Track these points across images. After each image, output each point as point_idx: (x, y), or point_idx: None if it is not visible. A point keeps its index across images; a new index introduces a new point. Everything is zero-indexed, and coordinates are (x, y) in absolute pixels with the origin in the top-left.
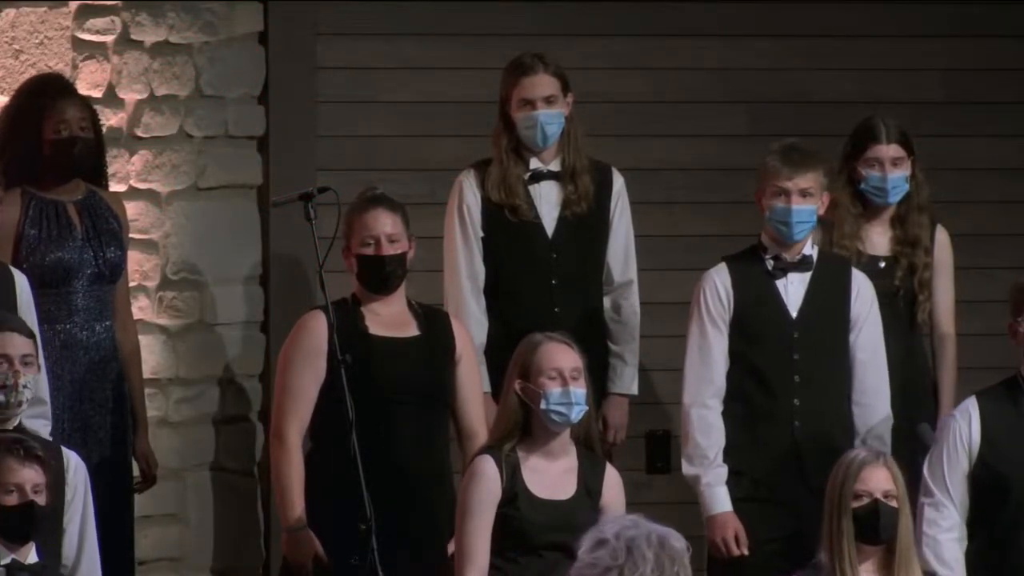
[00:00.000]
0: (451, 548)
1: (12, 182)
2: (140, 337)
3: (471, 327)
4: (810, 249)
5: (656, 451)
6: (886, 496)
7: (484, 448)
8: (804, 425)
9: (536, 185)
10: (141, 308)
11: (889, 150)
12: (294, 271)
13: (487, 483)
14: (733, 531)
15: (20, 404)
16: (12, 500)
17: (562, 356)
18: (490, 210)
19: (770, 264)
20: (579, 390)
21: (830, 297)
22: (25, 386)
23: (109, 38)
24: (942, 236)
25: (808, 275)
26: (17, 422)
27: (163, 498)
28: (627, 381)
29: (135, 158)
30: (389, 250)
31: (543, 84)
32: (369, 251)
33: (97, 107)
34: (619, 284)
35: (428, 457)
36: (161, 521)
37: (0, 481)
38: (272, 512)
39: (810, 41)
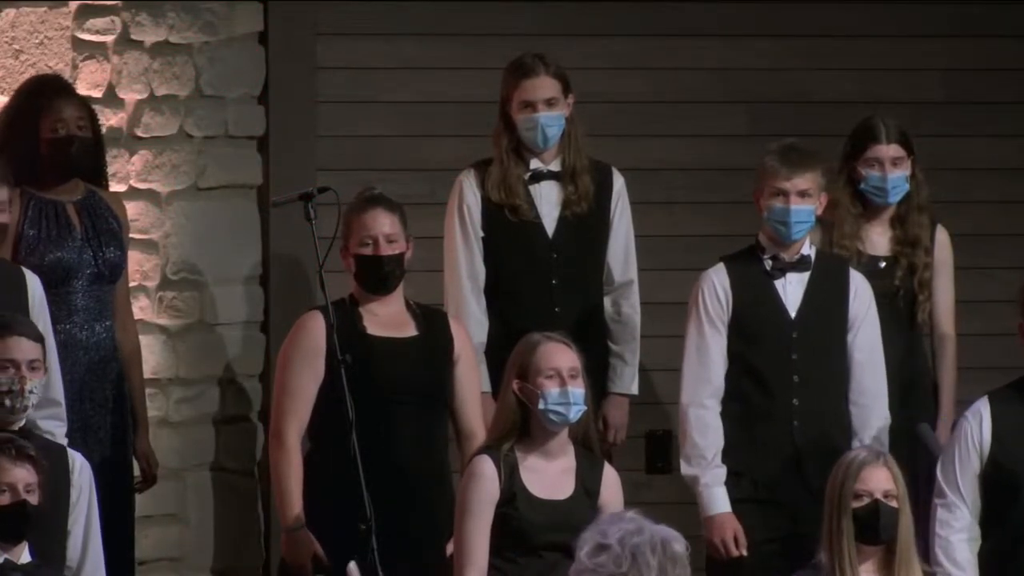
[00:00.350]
0: (450, 548)
1: (11, 180)
2: (140, 337)
3: (471, 327)
4: (808, 249)
5: (656, 451)
6: (886, 496)
7: (482, 448)
8: (803, 425)
9: (536, 185)
10: (141, 308)
11: (889, 150)
12: (294, 271)
13: (485, 483)
14: (732, 532)
15: (26, 409)
16: (5, 500)
17: (560, 356)
18: (490, 210)
19: (768, 264)
20: (577, 390)
21: (828, 297)
22: (31, 391)
23: (109, 38)
24: (942, 236)
25: (806, 275)
26: (22, 424)
27: (163, 498)
28: (627, 381)
29: (135, 158)
30: (387, 250)
31: (544, 86)
32: (367, 251)
33: (97, 107)
34: (619, 284)
35: (427, 457)
36: (161, 521)
37: None
38: (272, 512)
39: (810, 41)
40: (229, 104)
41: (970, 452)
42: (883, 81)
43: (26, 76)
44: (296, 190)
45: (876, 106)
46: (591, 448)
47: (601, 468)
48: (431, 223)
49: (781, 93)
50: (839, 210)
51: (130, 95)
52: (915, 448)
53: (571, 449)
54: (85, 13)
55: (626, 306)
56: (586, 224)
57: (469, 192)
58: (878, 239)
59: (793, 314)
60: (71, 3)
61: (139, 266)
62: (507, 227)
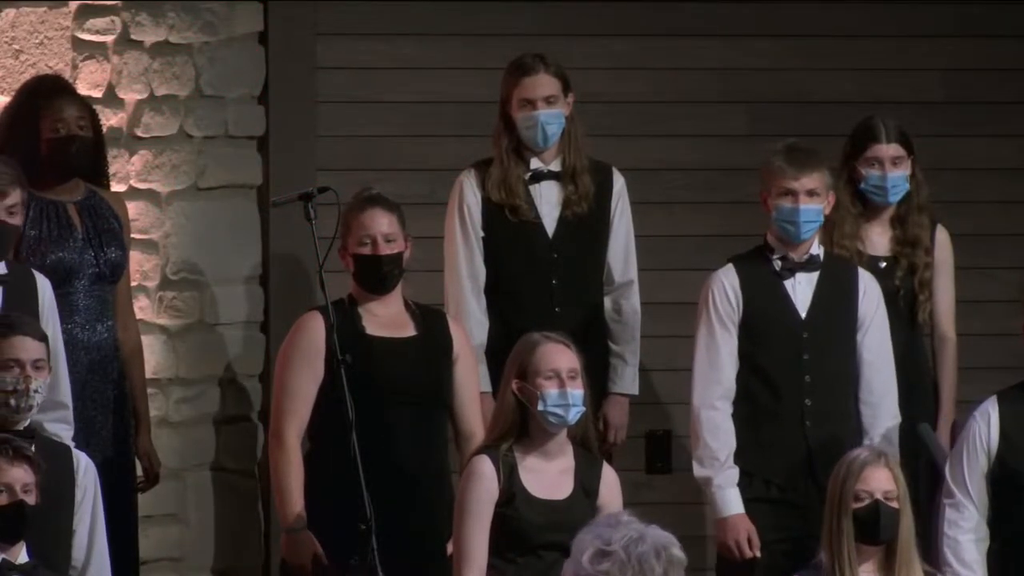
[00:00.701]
0: (450, 548)
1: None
2: (140, 337)
3: (471, 327)
4: (817, 249)
5: (656, 451)
6: (887, 497)
7: (481, 448)
8: (815, 425)
9: (536, 185)
10: (141, 308)
11: (889, 149)
12: (294, 271)
13: (485, 483)
14: (745, 533)
15: (30, 409)
16: (2, 500)
17: (560, 357)
18: (490, 210)
19: (778, 264)
20: (576, 391)
21: (838, 297)
22: (36, 391)
23: (109, 38)
24: (942, 236)
25: (815, 275)
26: (27, 423)
27: (163, 498)
28: (627, 381)
29: (135, 158)
30: (386, 250)
31: (544, 84)
32: (366, 251)
33: (97, 107)
34: (619, 284)
35: (427, 457)
36: (161, 521)
37: None
38: (272, 512)
39: (810, 41)
40: (229, 104)
41: (978, 452)
42: (883, 81)
43: (26, 76)
44: (296, 190)
45: (876, 106)
46: (590, 448)
47: (600, 468)
48: (431, 223)
49: (781, 93)
50: (839, 210)
51: (130, 95)
52: (916, 448)
53: (570, 449)
54: (85, 13)
55: (626, 306)
56: (586, 224)
57: (469, 192)
58: (878, 239)
59: (803, 314)
60: (71, 3)
61: (139, 266)
62: (507, 227)
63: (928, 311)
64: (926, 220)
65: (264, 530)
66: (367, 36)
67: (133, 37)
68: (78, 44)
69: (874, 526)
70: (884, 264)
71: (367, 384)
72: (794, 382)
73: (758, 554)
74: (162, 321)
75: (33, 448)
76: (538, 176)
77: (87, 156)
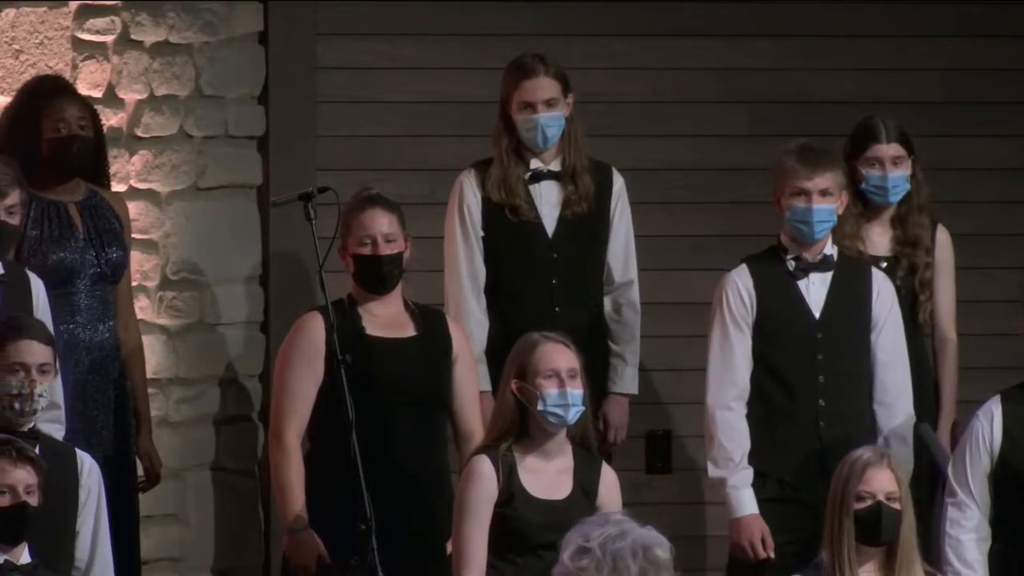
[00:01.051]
0: (450, 547)
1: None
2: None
3: (472, 327)
4: (830, 249)
5: (656, 451)
6: (888, 498)
7: (480, 448)
8: (829, 426)
9: (536, 185)
10: (141, 308)
11: (889, 149)
12: (294, 271)
13: (484, 483)
14: (759, 534)
15: (35, 412)
16: (5, 501)
17: (559, 357)
18: (490, 210)
19: (791, 265)
20: (576, 391)
21: (852, 297)
22: (41, 395)
23: (109, 38)
24: (943, 236)
25: (829, 275)
26: (31, 426)
27: (163, 498)
28: (627, 381)
29: (135, 158)
30: (386, 250)
31: (544, 87)
32: (366, 251)
33: (97, 107)
34: (619, 284)
35: (427, 457)
36: (161, 521)
37: None
38: (272, 512)
39: (810, 41)
40: (229, 104)
41: (981, 451)
42: (883, 81)
43: (26, 76)
44: (296, 190)
45: (876, 106)
46: (589, 448)
47: (599, 468)
48: (431, 223)
49: (781, 93)
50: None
51: (130, 95)
52: (916, 448)
53: (569, 449)
54: (85, 13)
55: (626, 306)
56: (586, 224)
57: (469, 192)
58: (879, 239)
59: (817, 314)
60: (71, 3)
61: (139, 266)
62: (507, 227)
63: (929, 311)
64: (926, 220)
65: (264, 530)
66: (367, 36)
67: (133, 37)
68: (78, 44)
69: (875, 527)
70: (884, 264)
71: (367, 384)
72: (808, 382)
73: (771, 555)
74: (162, 321)
75: (37, 449)
76: (538, 176)
77: (88, 156)
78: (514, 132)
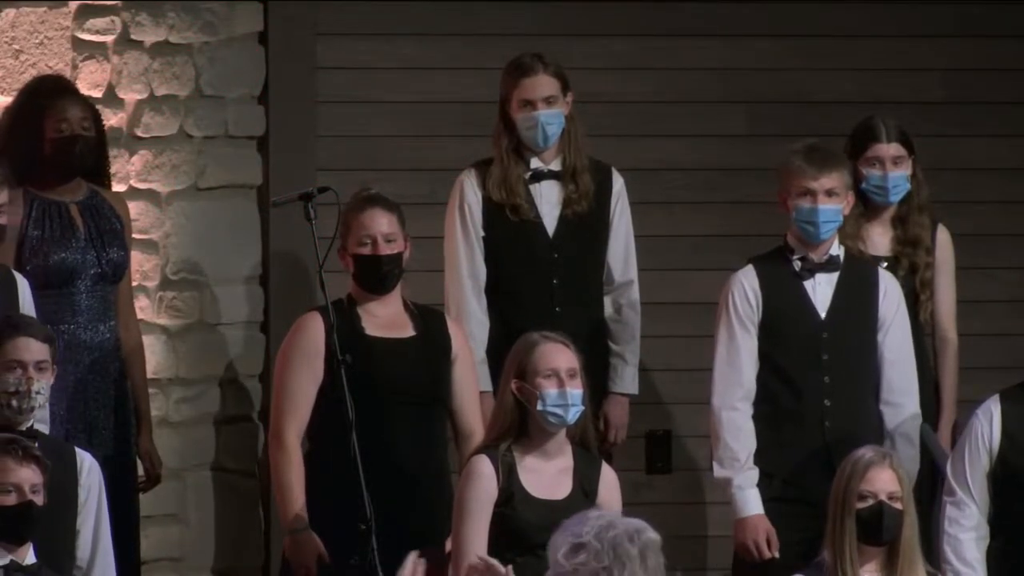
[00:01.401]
0: (449, 547)
1: (14, 183)
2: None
3: (472, 326)
4: (837, 249)
5: (656, 451)
6: (890, 498)
7: (480, 448)
8: (835, 426)
9: (537, 184)
10: (141, 308)
11: (889, 149)
12: (294, 271)
13: (483, 483)
14: (764, 533)
15: (32, 410)
16: (10, 500)
17: (559, 356)
18: (491, 209)
19: (797, 265)
20: (576, 391)
21: (858, 297)
22: (38, 392)
23: (109, 38)
24: (943, 236)
25: (835, 276)
26: (29, 424)
27: (163, 498)
28: (628, 381)
29: (135, 158)
30: (385, 250)
31: (543, 85)
32: (366, 251)
33: (97, 107)
34: (619, 284)
35: (427, 457)
36: (161, 521)
37: None
38: (272, 512)
39: (810, 41)
40: (229, 104)
41: (980, 450)
42: (883, 81)
43: (26, 76)
44: (296, 190)
45: (876, 106)
46: (589, 448)
47: (599, 468)
48: (431, 223)
49: (781, 93)
50: None
51: (130, 95)
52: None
53: (569, 449)
54: (85, 13)
55: (626, 306)
56: (586, 224)
57: (470, 191)
58: (879, 239)
59: (823, 315)
60: (71, 3)
61: (139, 266)
62: (508, 227)
63: (929, 311)
64: (927, 220)
65: (264, 530)
66: (367, 36)
67: (133, 37)
68: (78, 44)
69: (877, 527)
70: (885, 264)
71: (367, 384)
72: (814, 383)
73: (776, 555)
74: (162, 321)
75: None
76: (538, 175)
77: (90, 156)
78: (514, 132)
